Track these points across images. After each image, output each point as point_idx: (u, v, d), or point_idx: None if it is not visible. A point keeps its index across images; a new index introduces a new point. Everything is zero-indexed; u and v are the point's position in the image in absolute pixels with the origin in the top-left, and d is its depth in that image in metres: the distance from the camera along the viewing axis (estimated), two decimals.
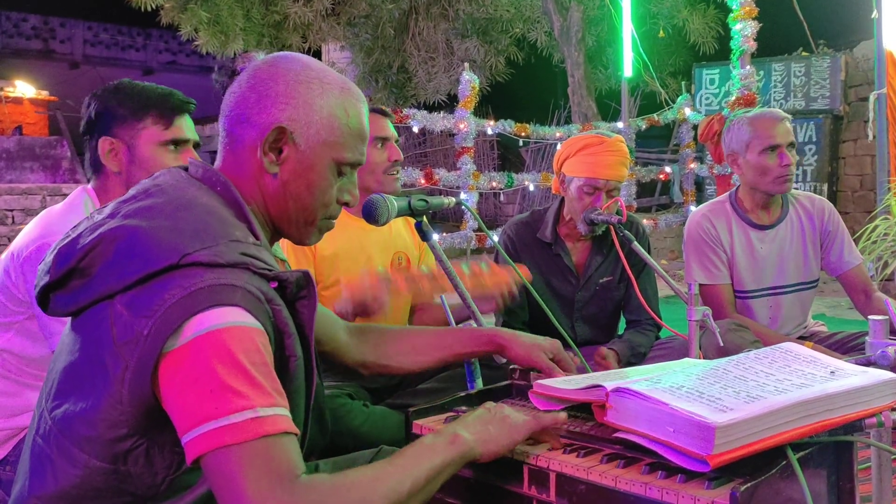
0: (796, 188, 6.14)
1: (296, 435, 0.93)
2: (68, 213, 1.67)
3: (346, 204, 1.17)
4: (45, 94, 16.41)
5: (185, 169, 1.13)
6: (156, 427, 0.94)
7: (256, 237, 1.06)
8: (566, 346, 1.69)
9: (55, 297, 1.02)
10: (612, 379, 1.15)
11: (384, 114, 2.22)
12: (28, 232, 1.65)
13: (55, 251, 1.03)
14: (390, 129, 2.21)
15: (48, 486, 0.97)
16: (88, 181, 1.78)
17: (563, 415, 1.14)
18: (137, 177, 1.66)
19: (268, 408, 0.90)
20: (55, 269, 1.00)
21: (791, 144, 2.40)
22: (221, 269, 0.95)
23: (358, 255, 2.17)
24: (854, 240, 2.58)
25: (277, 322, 0.99)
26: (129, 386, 0.92)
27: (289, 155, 1.09)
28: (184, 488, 0.98)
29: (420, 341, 1.46)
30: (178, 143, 1.71)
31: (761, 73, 8.00)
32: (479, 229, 6.69)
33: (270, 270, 1.00)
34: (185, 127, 1.74)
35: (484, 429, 1.07)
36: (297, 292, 1.04)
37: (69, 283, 1.00)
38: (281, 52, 1.15)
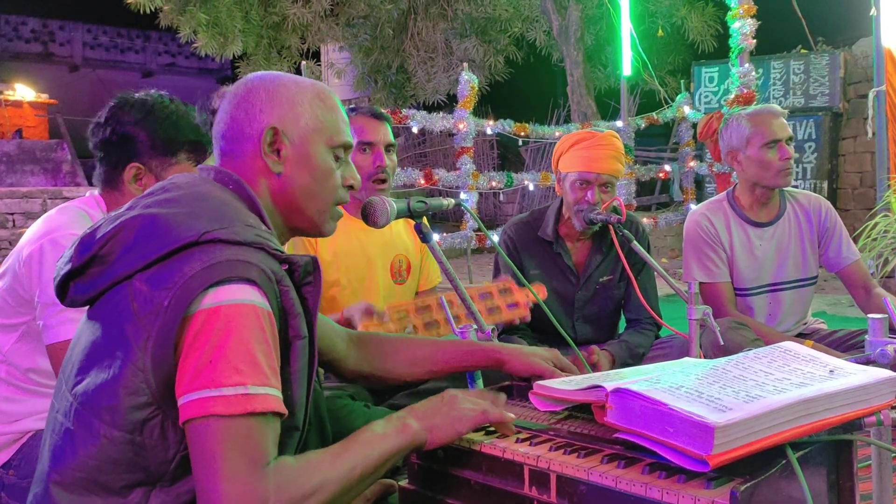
0: (795, 186, 6.12)
1: (282, 415, 0.98)
2: (75, 215, 1.67)
3: (351, 187, 1.25)
4: (44, 97, 16.41)
5: None
6: (172, 400, 0.97)
7: (268, 228, 1.13)
8: (566, 345, 1.70)
9: (74, 285, 1.08)
10: (611, 379, 1.16)
11: (378, 117, 2.18)
12: (33, 231, 1.66)
13: (76, 243, 1.07)
14: (380, 134, 2.15)
15: (67, 459, 1.00)
16: (91, 184, 1.78)
17: (511, 415, 1.20)
18: None
19: (259, 386, 0.95)
20: (77, 257, 1.05)
21: (790, 138, 2.43)
22: (239, 247, 1.01)
23: (358, 256, 2.17)
24: (854, 237, 2.59)
25: (284, 302, 1.04)
26: (152, 353, 0.96)
27: (287, 152, 1.17)
28: (191, 471, 1.00)
29: (419, 353, 1.49)
30: None
31: (760, 70, 8.01)
32: (479, 229, 6.69)
33: (282, 253, 1.06)
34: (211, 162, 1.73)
35: (431, 419, 1.15)
36: (303, 277, 1.09)
37: (88, 270, 1.05)
38: (251, 73, 1.24)
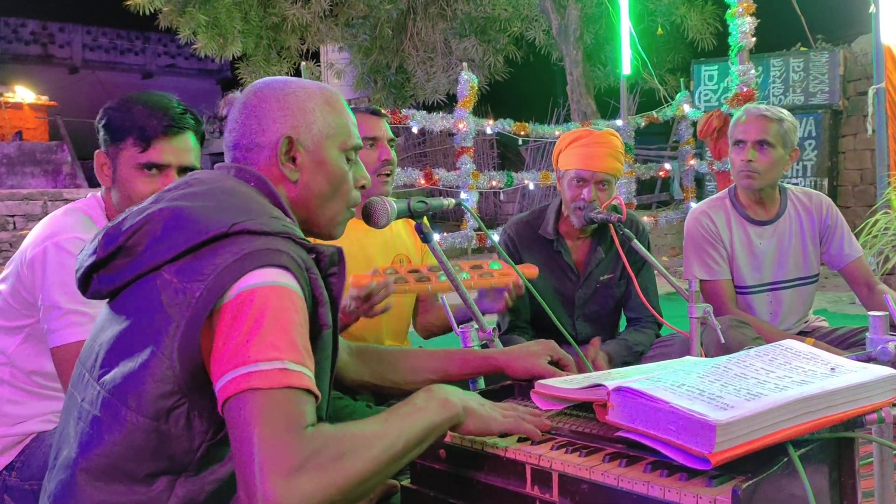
0: (795, 183, 6.09)
1: (316, 397, 0.97)
2: (78, 217, 1.68)
3: (363, 187, 1.27)
4: (44, 100, 16.42)
5: None
6: (198, 389, 0.98)
7: (292, 220, 1.15)
8: (567, 344, 1.70)
9: (98, 277, 1.08)
10: (613, 378, 1.16)
11: (377, 113, 2.20)
12: (36, 234, 1.66)
13: (100, 235, 1.08)
14: (382, 129, 2.18)
15: (94, 445, 1.01)
16: (91, 185, 1.79)
17: (538, 432, 1.16)
18: (118, 196, 1.66)
19: (296, 364, 0.95)
20: (102, 249, 1.06)
21: (761, 142, 2.38)
22: (268, 237, 1.02)
23: (359, 256, 2.17)
24: (855, 234, 2.59)
25: (313, 290, 1.05)
26: (179, 343, 0.97)
27: (303, 159, 1.19)
28: (216, 461, 1.02)
29: (418, 363, 1.49)
30: (156, 167, 1.64)
31: (760, 68, 8.00)
32: (479, 229, 6.70)
33: (309, 242, 1.08)
34: (168, 150, 1.65)
35: (469, 402, 1.14)
36: (329, 267, 1.10)
37: (112, 262, 1.06)
38: (258, 80, 1.25)
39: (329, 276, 1.10)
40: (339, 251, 1.12)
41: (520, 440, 1.15)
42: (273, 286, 0.98)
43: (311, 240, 1.12)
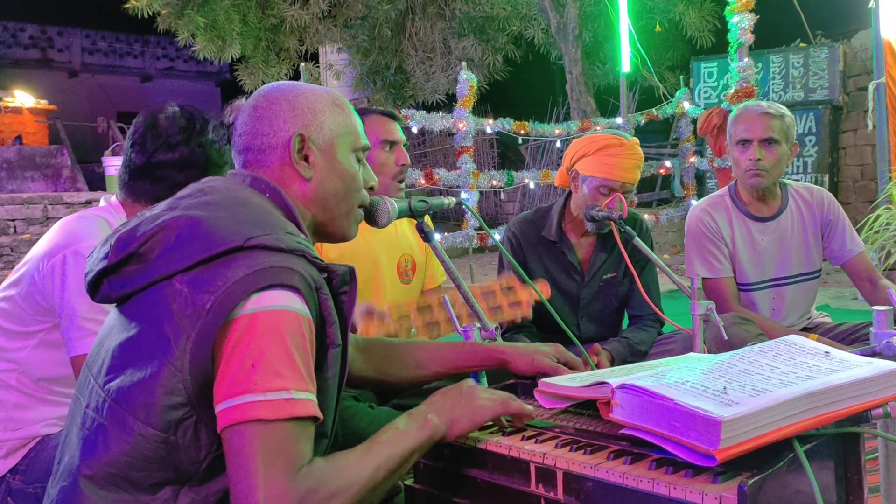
0: (796, 179, 6.09)
1: (319, 420, 0.99)
2: (96, 224, 1.66)
3: (371, 189, 1.29)
4: (44, 104, 16.38)
5: None
6: (206, 402, 0.99)
7: (305, 235, 1.16)
8: (570, 344, 1.69)
9: (108, 282, 1.08)
10: (617, 375, 1.16)
11: (393, 117, 2.20)
12: (52, 240, 1.64)
13: (113, 240, 1.08)
14: (399, 133, 2.18)
15: (100, 453, 1.00)
16: (91, 189, 1.77)
17: (530, 407, 1.20)
18: None
19: (300, 391, 0.97)
20: (115, 254, 1.06)
21: (767, 140, 2.37)
22: (282, 253, 1.02)
23: (365, 256, 2.17)
24: (856, 230, 2.58)
25: (322, 310, 1.06)
26: (190, 355, 0.97)
27: (315, 158, 1.20)
28: (220, 472, 1.02)
29: (422, 356, 1.50)
30: None
31: (759, 65, 7.99)
32: (481, 228, 6.69)
33: (321, 261, 1.08)
34: None
35: (451, 412, 1.15)
36: (340, 286, 1.11)
37: (124, 268, 1.06)
38: (264, 86, 1.26)
39: (340, 294, 1.11)
40: (352, 270, 1.12)
41: (523, 438, 1.15)
42: (280, 310, 0.98)
43: (320, 247, 1.12)
